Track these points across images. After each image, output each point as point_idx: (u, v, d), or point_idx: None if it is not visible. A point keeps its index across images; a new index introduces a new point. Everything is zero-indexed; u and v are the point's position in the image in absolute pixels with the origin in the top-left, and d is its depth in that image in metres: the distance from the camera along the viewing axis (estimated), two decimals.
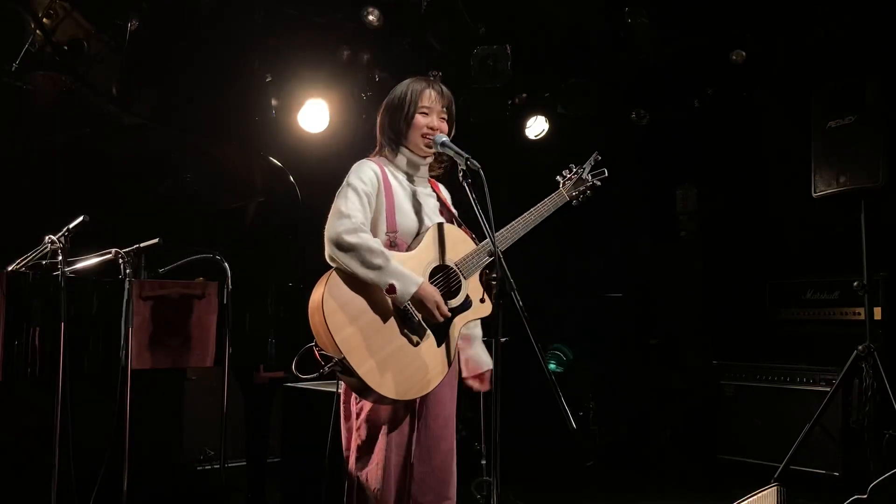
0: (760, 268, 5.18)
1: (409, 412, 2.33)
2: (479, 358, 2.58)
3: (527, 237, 2.58)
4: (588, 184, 2.68)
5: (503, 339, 2.09)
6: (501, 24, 4.62)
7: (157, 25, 4.07)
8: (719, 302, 5.35)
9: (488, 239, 2.19)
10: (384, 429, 2.30)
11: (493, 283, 2.13)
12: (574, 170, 2.69)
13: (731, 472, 4.57)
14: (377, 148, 2.53)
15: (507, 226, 2.48)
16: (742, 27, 4.65)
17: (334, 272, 2.25)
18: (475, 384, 2.60)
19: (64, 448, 2.85)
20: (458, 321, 2.36)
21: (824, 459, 4.13)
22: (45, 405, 2.86)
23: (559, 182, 2.67)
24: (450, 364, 2.34)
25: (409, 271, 2.25)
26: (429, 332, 2.30)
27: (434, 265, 2.36)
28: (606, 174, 2.72)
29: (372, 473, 2.30)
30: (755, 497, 3.46)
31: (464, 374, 2.59)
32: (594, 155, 2.72)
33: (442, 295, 2.31)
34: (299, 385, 3.78)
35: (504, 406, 2.03)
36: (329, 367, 2.18)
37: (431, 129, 2.42)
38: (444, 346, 2.33)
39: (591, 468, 5.06)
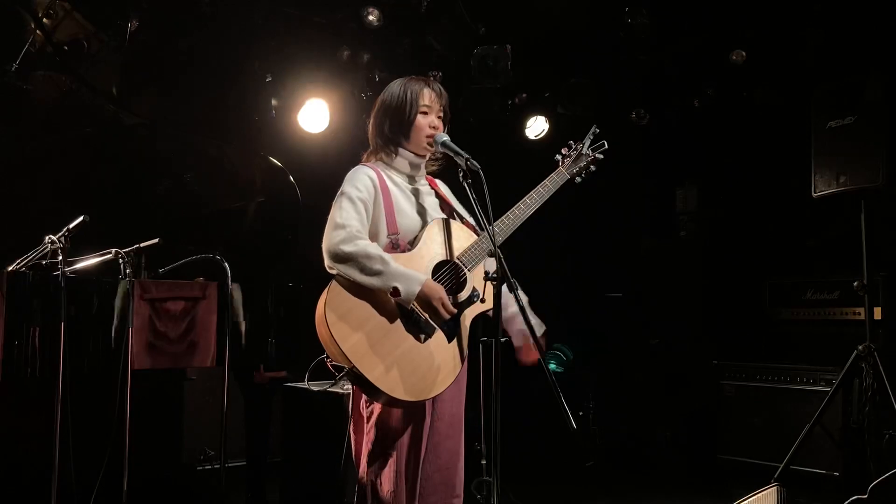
0: (760, 268, 5.17)
1: (420, 412, 2.30)
2: (526, 330, 2.33)
3: (528, 237, 2.56)
4: (589, 158, 2.61)
5: (503, 339, 2.09)
6: (501, 24, 4.62)
7: (157, 25, 4.07)
8: (719, 302, 5.34)
9: (489, 234, 2.16)
10: (396, 431, 2.28)
11: (494, 282, 2.13)
12: (573, 146, 2.63)
13: (731, 472, 4.56)
14: (371, 149, 2.50)
15: (508, 212, 2.44)
16: (742, 27, 4.65)
17: (334, 282, 2.23)
18: (528, 356, 2.46)
19: (64, 448, 2.85)
20: (468, 314, 2.33)
21: (824, 459, 4.13)
22: (45, 405, 2.86)
23: (558, 161, 2.61)
24: (462, 359, 2.31)
25: (412, 270, 2.23)
26: (438, 329, 2.27)
27: (437, 261, 2.34)
28: (607, 146, 2.64)
29: (385, 476, 2.27)
30: (755, 497, 3.46)
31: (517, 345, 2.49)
32: (593, 128, 2.65)
33: (449, 289, 2.29)
34: (299, 385, 3.78)
35: (504, 406, 2.03)
36: (341, 377, 2.18)
37: (433, 128, 2.41)
38: (454, 341, 2.30)
39: (591, 468, 5.05)
